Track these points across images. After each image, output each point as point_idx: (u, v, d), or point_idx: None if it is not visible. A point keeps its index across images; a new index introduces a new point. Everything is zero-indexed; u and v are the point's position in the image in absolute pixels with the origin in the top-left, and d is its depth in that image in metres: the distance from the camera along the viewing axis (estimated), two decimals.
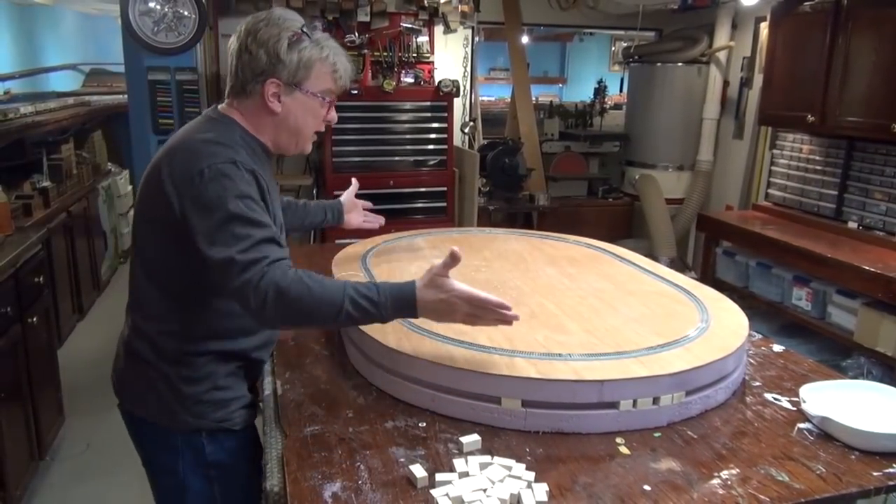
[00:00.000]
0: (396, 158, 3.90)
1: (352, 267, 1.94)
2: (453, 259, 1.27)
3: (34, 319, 2.76)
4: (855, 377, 2.55)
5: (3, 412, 2.40)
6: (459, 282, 1.29)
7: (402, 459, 1.21)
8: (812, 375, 1.60)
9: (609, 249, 2.22)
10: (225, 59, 3.93)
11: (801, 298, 3.34)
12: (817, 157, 3.72)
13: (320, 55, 1.38)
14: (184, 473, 1.43)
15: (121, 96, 5.49)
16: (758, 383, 1.56)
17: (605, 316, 1.63)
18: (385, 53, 3.85)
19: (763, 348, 1.78)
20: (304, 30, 1.38)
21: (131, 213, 5.64)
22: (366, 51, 3.81)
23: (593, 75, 7.27)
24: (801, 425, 1.37)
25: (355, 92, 3.65)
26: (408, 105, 3.86)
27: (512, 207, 4.61)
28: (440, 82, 3.83)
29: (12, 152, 3.89)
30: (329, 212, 1.98)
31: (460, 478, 1.14)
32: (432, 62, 4.03)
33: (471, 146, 4.72)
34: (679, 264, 4.55)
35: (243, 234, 1.25)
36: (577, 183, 5.34)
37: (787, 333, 3.45)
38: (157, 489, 1.52)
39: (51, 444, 2.93)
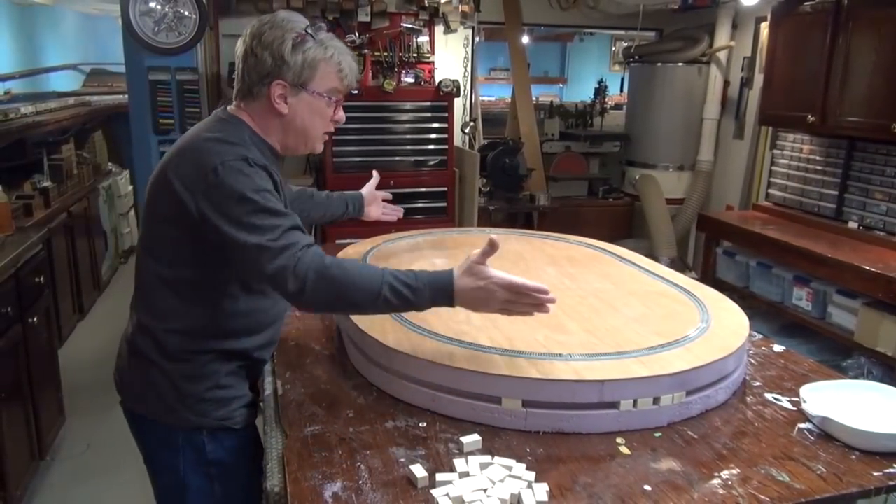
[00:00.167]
0: (397, 158, 3.90)
1: None
2: (492, 247, 1.29)
3: (35, 319, 2.76)
4: (855, 377, 2.55)
5: (4, 412, 2.40)
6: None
7: (402, 459, 1.21)
8: (812, 375, 1.60)
9: (609, 249, 2.22)
10: (225, 59, 3.99)
11: (801, 298, 3.34)
12: (818, 157, 3.72)
13: (325, 55, 1.39)
14: (184, 471, 1.44)
15: (121, 96, 5.50)
16: (758, 383, 1.56)
17: (606, 316, 1.63)
18: (385, 53, 3.85)
19: (763, 348, 1.78)
20: (309, 31, 1.38)
21: (132, 213, 5.68)
22: (366, 51, 3.81)
23: (594, 75, 7.27)
24: (802, 425, 1.37)
25: (356, 92, 3.65)
26: (408, 105, 3.86)
27: (512, 207, 4.61)
28: (440, 82, 3.83)
29: (13, 152, 3.89)
30: (351, 204, 2.00)
31: (461, 478, 1.14)
32: (433, 62, 4.03)
33: (471, 146, 4.72)
34: (679, 264, 4.55)
35: (270, 224, 1.27)
36: (578, 183, 5.34)
37: (788, 333, 3.45)
38: (157, 487, 1.52)
39: (51, 444, 2.93)
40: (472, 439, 1.25)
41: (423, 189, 3.95)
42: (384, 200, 2.10)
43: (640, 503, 1.11)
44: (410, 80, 3.91)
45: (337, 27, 3.81)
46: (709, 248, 4.14)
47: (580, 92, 7.88)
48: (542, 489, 1.11)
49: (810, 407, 1.37)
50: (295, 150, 1.48)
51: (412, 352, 1.39)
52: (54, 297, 3.43)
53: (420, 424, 1.33)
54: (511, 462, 1.18)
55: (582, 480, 1.16)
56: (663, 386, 1.33)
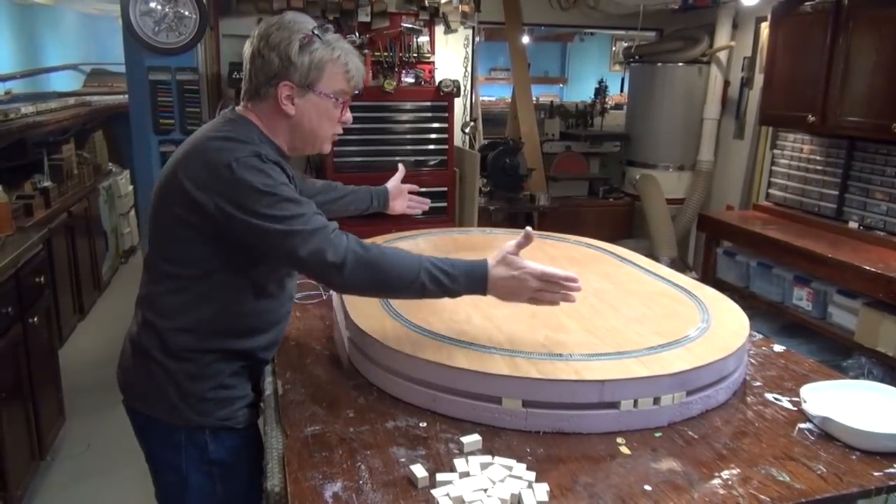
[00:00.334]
0: (397, 158, 3.89)
1: None
2: (526, 239, 1.36)
3: (35, 319, 2.76)
4: (856, 377, 2.54)
5: (4, 412, 2.40)
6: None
7: (402, 459, 1.21)
8: (813, 375, 1.60)
9: (610, 249, 2.22)
10: (225, 59, 3.98)
11: (801, 298, 3.34)
12: (818, 157, 3.72)
13: (331, 56, 1.39)
14: (186, 470, 1.44)
15: (121, 96, 5.50)
16: (758, 383, 1.56)
17: (606, 316, 1.63)
18: (386, 53, 3.85)
19: (764, 348, 1.78)
20: (316, 32, 1.38)
21: (132, 213, 5.68)
22: (366, 51, 3.80)
23: (594, 75, 7.27)
24: (802, 425, 1.37)
25: (356, 92, 3.65)
26: (408, 105, 3.85)
27: (512, 207, 4.61)
28: (441, 82, 3.83)
29: (13, 152, 3.90)
30: (376, 198, 2.00)
31: (461, 478, 1.14)
32: (433, 62, 4.03)
33: (471, 146, 4.72)
34: (680, 264, 4.55)
35: (295, 212, 1.30)
36: (578, 183, 5.34)
37: (788, 333, 3.45)
38: (158, 486, 1.53)
39: (51, 444, 2.93)
40: (472, 439, 1.25)
41: (423, 189, 3.84)
42: (411, 193, 2.09)
43: (640, 503, 1.11)
44: (411, 80, 3.91)
45: (337, 27, 3.81)
46: (709, 248, 4.14)
47: (580, 92, 7.89)
48: (542, 489, 1.11)
49: (811, 407, 1.37)
50: (302, 151, 1.49)
51: (412, 352, 1.39)
52: (55, 298, 3.43)
53: (420, 424, 1.33)
54: (511, 462, 1.18)
55: (582, 480, 1.16)
56: (664, 386, 1.33)
